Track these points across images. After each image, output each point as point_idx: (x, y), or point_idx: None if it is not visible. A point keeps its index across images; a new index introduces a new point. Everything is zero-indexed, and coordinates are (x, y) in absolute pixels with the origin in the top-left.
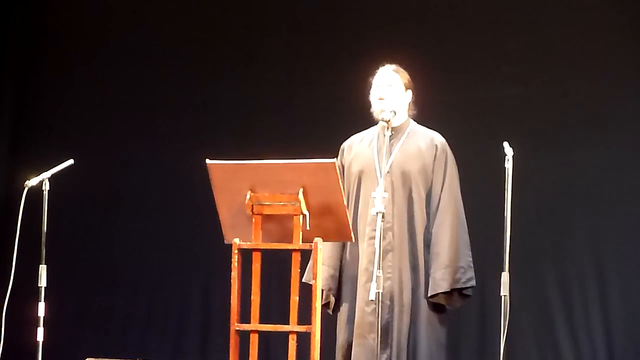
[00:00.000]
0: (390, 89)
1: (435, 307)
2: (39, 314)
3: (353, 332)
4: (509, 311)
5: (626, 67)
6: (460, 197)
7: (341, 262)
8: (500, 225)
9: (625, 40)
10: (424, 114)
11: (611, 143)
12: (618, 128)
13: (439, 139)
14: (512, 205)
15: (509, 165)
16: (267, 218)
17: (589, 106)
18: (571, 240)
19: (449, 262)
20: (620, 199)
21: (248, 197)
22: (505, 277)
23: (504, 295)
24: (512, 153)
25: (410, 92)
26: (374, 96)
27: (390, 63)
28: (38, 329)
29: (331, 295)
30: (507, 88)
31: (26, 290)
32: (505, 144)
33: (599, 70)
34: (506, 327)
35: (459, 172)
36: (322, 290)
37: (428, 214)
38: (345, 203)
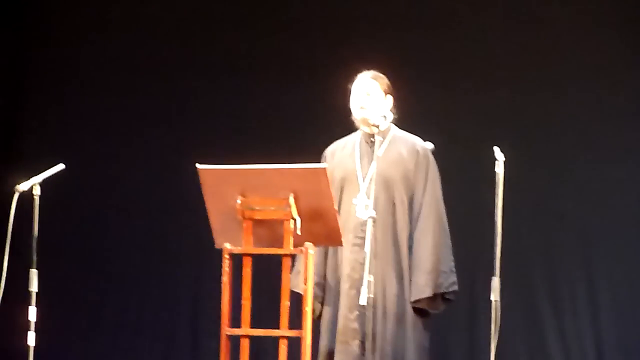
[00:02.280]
0: (369, 97)
1: (419, 311)
2: (30, 319)
3: (335, 338)
4: (499, 316)
5: (618, 72)
6: (442, 202)
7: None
8: (492, 229)
9: (618, 46)
10: (415, 120)
11: (602, 146)
12: (607, 134)
13: (420, 144)
14: (503, 210)
15: (499, 169)
16: (258, 223)
17: (579, 112)
18: (561, 245)
19: (431, 267)
20: (609, 203)
21: (239, 201)
22: (495, 281)
23: (495, 300)
24: (502, 157)
25: (390, 97)
26: (354, 104)
27: (370, 69)
28: (29, 333)
29: (317, 303)
30: (497, 92)
31: (16, 295)
32: (496, 149)
33: (590, 75)
34: (497, 332)
35: (446, 177)
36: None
37: (410, 220)
38: (336, 208)
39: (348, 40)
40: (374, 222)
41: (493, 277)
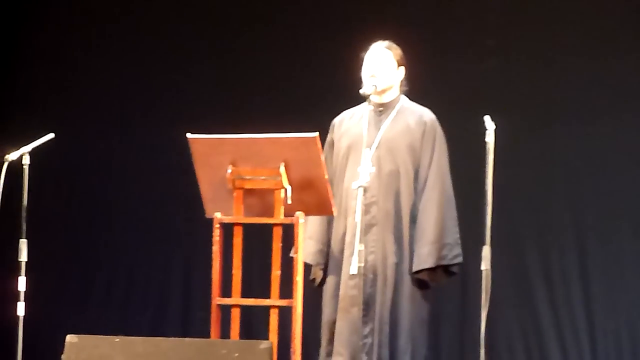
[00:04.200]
0: (381, 65)
1: (419, 282)
2: (19, 289)
3: (337, 305)
4: (490, 285)
5: (609, 40)
6: (449, 174)
7: (329, 236)
8: (482, 199)
9: (609, 12)
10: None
11: (593, 116)
12: (600, 102)
13: (428, 115)
14: (494, 179)
15: (489, 139)
16: (249, 192)
17: (572, 79)
18: (552, 213)
19: (435, 238)
20: (601, 172)
21: (229, 171)
22: (486, 250)
23: (485, 269)
24: (493, 127)
25: (402, 68)
26: (365, 73)
27: (382, 40)
28: (19, 303)
29: (319, 270)
30: (488, 61)
31: (6, 265)
32: (487, 118)
33: (581, 42)
34: (487, 301)
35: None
36: (311, 265)
37: (415, 190)
38: (327, 177)
39: (349, 13)
40: (365, 191)
41: (484, 246)
